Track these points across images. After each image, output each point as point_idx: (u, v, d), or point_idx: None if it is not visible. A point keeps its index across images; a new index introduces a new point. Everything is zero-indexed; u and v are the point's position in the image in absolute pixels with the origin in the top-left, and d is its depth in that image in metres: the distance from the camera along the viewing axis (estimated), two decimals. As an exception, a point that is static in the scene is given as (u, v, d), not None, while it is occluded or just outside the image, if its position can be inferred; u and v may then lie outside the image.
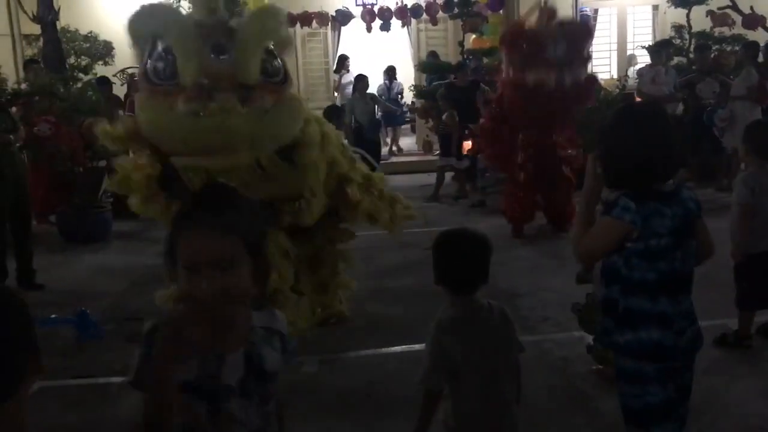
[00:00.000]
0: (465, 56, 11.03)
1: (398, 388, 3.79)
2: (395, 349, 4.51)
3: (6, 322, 1.37)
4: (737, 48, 10.25)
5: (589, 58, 7.29)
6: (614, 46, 14.30)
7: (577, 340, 4.49)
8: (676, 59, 10.93)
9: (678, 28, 11.63)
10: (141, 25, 3.77)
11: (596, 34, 13.96)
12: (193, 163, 3.73)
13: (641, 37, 13.76)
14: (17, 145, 6.55)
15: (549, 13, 6.90)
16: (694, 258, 2.43)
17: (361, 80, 10.41)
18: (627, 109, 2.74)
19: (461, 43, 11.18)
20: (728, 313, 4.43)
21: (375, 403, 3.85)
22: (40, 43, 9.78)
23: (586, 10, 13.41)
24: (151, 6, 3.89)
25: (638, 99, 9.42)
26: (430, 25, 13.04)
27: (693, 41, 11.03)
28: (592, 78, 7.70)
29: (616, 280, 2.40)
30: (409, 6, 12.46)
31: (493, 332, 2.39)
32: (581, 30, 7.17)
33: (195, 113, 3.52)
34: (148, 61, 3.75)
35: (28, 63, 9.74)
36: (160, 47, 3.72)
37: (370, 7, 12.56)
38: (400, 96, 13.04)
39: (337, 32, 13.32)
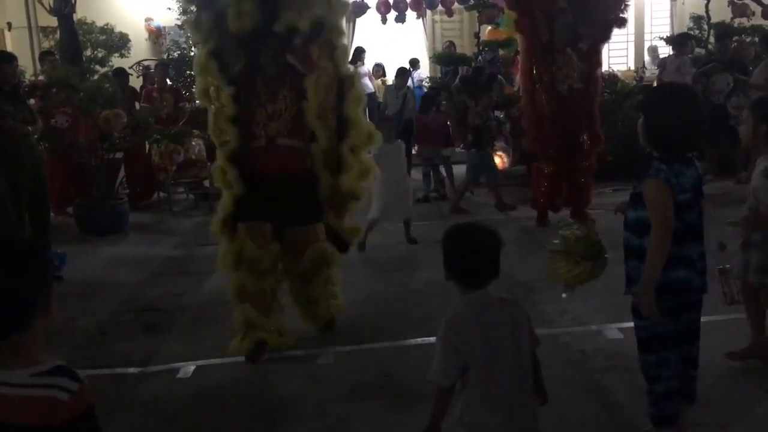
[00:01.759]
0: (480, 48, 10.97)
1: (414, 381, 3.78)
2: (411, 341, 4.50)
3: (26, 267, 1.67)
4: (756, 39, 10.13)
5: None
6: (631, 38, 14.18)
7: (596, 333, 4.48)
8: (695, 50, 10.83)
9: (697, 19, 11.50)
10: None
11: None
12: None
13: (659, 28, 13.64)
14: (35, 136, 6.59)
15: None
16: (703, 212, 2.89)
17: (400, 74, 10.38)
18: (671, 89, 3.36)
19: (477, 35, 11.10)
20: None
21: (391, 395, 3.85)
22: (57, 35, 9.82)
23: (603, 1, 13.24)
24: None
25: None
26: (445, 17, 12.97)
27: (712, 32, 10.91)
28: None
29: (648, 231, 2.77)
30: (424, -3, 12.37)
31: (505, 327, 2.37)
32: None
33: None
34: None
35: (44, 55, 9.79)
36: None
37: (385, -1, 12.47)
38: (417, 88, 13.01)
39: (351, 24, 13.28)
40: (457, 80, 10.25)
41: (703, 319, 4.44)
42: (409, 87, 10.59)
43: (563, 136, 7.18)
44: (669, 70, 8.67)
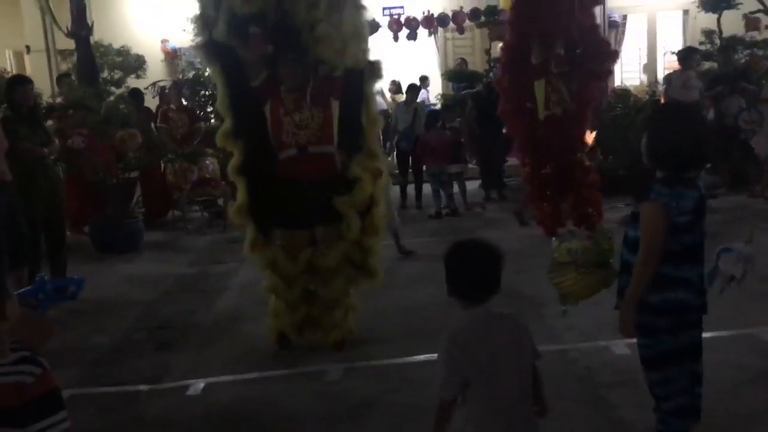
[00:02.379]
0: (491, 64, 11.04)
1: (420, 396, 3.80)
2: (418, 357, 4.52)
3: None
4: (768, 53, 10.12)
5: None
6: (644, 52, 14.18)
7: (603, 349, 4.48)
8: (706, 64, 10.82)
9: (708, 33, 11.49)
10: None
11: (625, 40, 13.96)
12: None
13: (671, 42, 13.63)
14: (52, 157, 6.72)
15: None
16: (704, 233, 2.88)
17: (411, 90, 10.49)
18: (674, 108, 3.21)
19: (488, 51, 11.18)
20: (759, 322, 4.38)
21: (397, 411, 3.87)
22: (74, 57, 10.01)
23: (614, 17, 13.31)
24: None
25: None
26: (457, 34, 13.06)
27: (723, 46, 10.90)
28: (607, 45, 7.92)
29: None
30: (435, 15, 12.49)
31: (506, 341, 2.40)
32: None
33: None
34: None
35: (61, 77, 9.98)
36: None
37: (396, 17, 12.61)
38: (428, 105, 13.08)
39: (364, 42, 13.39)
40: (470, 99, 10.33)
41: (708, 334, 4.46)
42: (419, 103, 10.65)
43: (558, 157, 7.27)
44: (675, 85, 8.67)
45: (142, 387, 4.37)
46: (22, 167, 5.94)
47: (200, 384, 4.36)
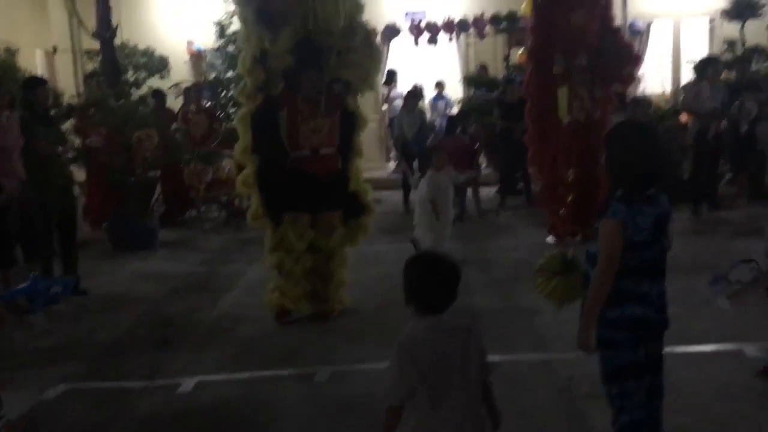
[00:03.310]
0: (510, 70, 11.05)
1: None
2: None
3: None
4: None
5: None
6: (668, 59, 14.02)
7: (586, 360, 4.49)
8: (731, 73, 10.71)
9: (731, 43, 11.36)
10: None
11: (650, 47, 13.81)
12: None
13: (697, 50, 13.45)
14: (67, 156, 6.94)
15: None
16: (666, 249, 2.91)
17: (412, 96, 10.56)
18: (630, 126, 3.36)
19: (506, 58, 11.19)
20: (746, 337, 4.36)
21: (378, 412, 3.94)
22: (100, 58, 10.26)
23: (638, 24, 13.19)
24: None
25: (684, 114, 9.30)
26: (477, 39, 13.07)
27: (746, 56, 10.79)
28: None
29: None
30: (456, 21, 12.52)
31: (455, 352, 2.46)
32: None
33: None
34: None
35: (91, 76, 10.25)
36: None
37: (417, 22, 12.67)
38: (449, 110, 13.10)
39: (385, 46, 13.48)
40: (495, 106, 10.39)
41: (692, 348, 4.48)
42: (420, 109, 10.72)
43: (581, 164, 7.28)
44: (687, 97, 8.62)
45: (136, 384, 4.52)
46: (38, 165, 6.16)
47: (191, 382, 4.48)
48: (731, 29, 11.81)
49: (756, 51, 10.68)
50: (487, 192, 10.21)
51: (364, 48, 5.42)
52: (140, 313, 6.05)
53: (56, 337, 5.43)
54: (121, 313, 6.03)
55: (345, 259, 5.74)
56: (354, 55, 5.36)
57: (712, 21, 13.56)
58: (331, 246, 5.52)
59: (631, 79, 7.93)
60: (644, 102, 10.13)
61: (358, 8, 5.41)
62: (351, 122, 5.56)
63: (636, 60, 7.88)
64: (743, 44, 10.95)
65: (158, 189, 9.64)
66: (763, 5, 10.82)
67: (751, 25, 11.09)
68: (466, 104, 11.61)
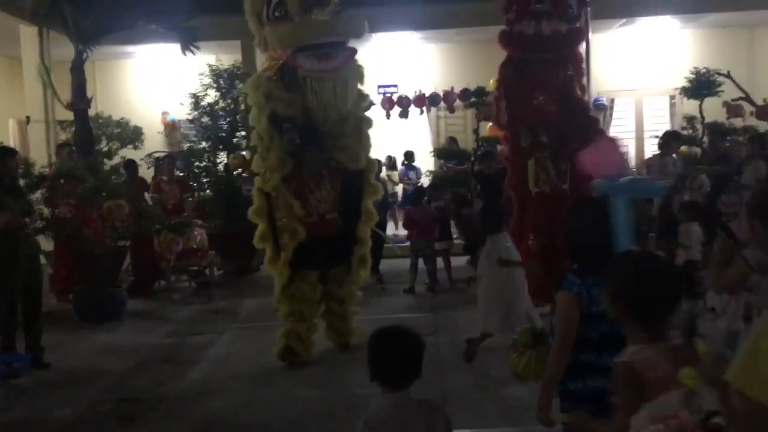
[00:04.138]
0: (479, 144, 11.28)
1: None
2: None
3: None
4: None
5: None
6: (632, 134, 14.48)
7: (555, 432, 4.48)
8: (692, 149, 11.07)
9: (690, 119, 11.80)
10: None
11: (613, 123, 14.29)
12: None
13: (658, 126, 13.92)
14: (35, 226, 6.88)
15: None
16: None
17: None
18: (583, 202, 3.55)
19: (475, 131, 11.45)
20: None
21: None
22: (73, 128, 10.29)
23: (602, 100, 13.65)
24: None
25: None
26: (448, 113, 13.41)
27: (705, 131, 11.17)
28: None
29: None
30: (427, 95, 12.86)
31: (419, 428, 2.47)
32: None
33: None
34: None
35: (62, 146, 10.24)
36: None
37: (389, 95, 12.99)
38: (419, 181, 13.28)
39: (359, 119, 13.73)
40: (474, 180, 10.59)
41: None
42: (381, 177, 10.91)
43: (547, 235, 7.39)
44: (653, 171, 8.88)
45: (96, 460, 4.39)
46: (2, 235, 6.10)
47: (154, 460, 4.37)
48: (691, 106, 12.27)
49: (716, 126, 11.07)
50: (457, 262, 10.26)
51: (353, 134, 6.38)
52: (104, 387, 5.91)
53: (15, 413, 5.28)
54: (84, 388, 5.88)
55: (356, 297, 6.73)
56: (346, 139, 6.34)
57: (672, 98, 14.11)
58: (343, 294, 6.55)
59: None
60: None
61: (363, 98, 6.51)
62: (354, 191, 6.48)
63: (600, 134, 8.13)
64: (702, 121, 11.36)
65: (128, 259, 9.58)
66: (720, 84, 11.29)
67: (710, 102, 11.54)
68: (437, 176, 11.79)
